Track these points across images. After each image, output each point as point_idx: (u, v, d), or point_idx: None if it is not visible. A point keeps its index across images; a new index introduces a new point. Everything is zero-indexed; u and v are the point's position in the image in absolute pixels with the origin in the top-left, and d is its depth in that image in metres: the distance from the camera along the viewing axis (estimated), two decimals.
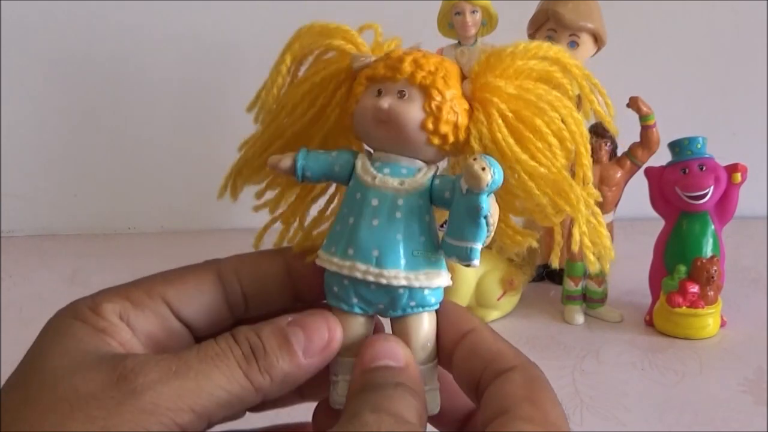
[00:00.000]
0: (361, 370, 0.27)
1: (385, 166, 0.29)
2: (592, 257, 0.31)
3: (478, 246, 0.27)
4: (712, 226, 0.67)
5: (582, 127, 0.30)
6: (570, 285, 0.70)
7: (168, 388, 0.25)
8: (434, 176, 0.29)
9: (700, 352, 0.63)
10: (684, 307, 0.64)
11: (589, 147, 0.30)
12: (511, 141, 0.29)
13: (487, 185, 0.26)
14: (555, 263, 0.31)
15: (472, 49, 0.73)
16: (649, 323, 0.68)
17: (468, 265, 0.28)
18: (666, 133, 0.67)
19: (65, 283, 0.82)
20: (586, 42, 0.71)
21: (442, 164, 0.31)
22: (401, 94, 0.28)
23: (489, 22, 0.74)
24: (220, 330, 0.30)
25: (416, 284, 0.28)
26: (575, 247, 0.30)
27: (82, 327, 0.27)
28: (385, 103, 0.28)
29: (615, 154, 0.68)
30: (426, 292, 0.29)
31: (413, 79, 0.28)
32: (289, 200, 0.33)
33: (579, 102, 0.31)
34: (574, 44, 0.71)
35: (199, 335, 0.30)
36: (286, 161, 0.30)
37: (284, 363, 0.27)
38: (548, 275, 0.80)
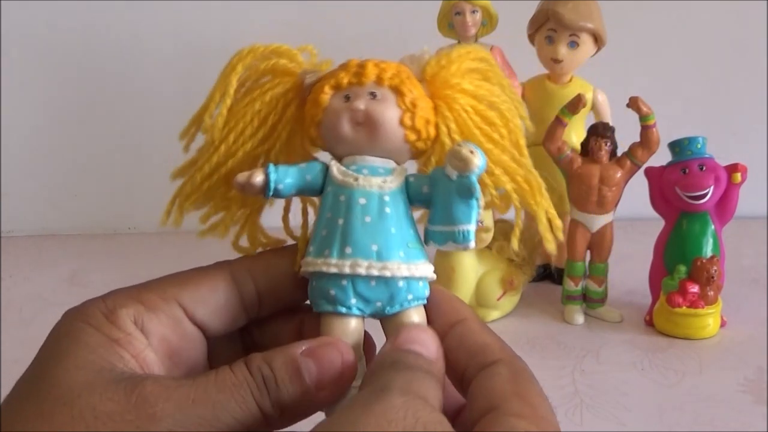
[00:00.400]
0: (395, 346, 0.27)
1: (362, 167, 0.30)
2: (550, 238, 0.32)
3: (473, 227, 0.29)
4: (712, 226, 0.67)
5: (518, 120, 0.33)
6: (570, 285, 0.70)
7: (186, 417, 0.25)
8: (407, 176, 0.31)
9: (700, 352, 0.63)
10: (684, 307, 0.64)
11: (522, 135, 0.33)
12: (478, 132, 0.31)
13: (477, 167, 0.28)
14: (515, 245, 0.33)
15: None
16: (649, 323, 0.68)
17: (465, 248, 0.29)
18: (666, 133, 0.67)
19: (65, 283, 0.82)
20: (586, 42, 0.71)
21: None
22: (373, 96, 0.30)
23: (489, 22, 0.74)
24: (233, 330, 0.31)
25: (417, 274, 0.29)
26: (542, 229, 0.32)
27: (95, 335, 0.26)
28: (361, 104, 0.29)
29: (615, 154, 0.68)
30: (420, 284, 0.30)
31: (381, 81, 0.30)
32: (236, 219, 0.33)
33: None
34: (574, 44, 0.71)
35: (212, 335, 0.30)
36: (257, 176, 0.30)
37: (295, 396, 0.27)
38: (548, 275, 0.79)
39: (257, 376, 0.26)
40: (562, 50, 0.71)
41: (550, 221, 0.32)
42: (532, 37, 0.74)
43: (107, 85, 0.97)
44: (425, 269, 0.30)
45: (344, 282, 0.29)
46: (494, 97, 0.32)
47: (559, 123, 0.67)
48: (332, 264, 0.29)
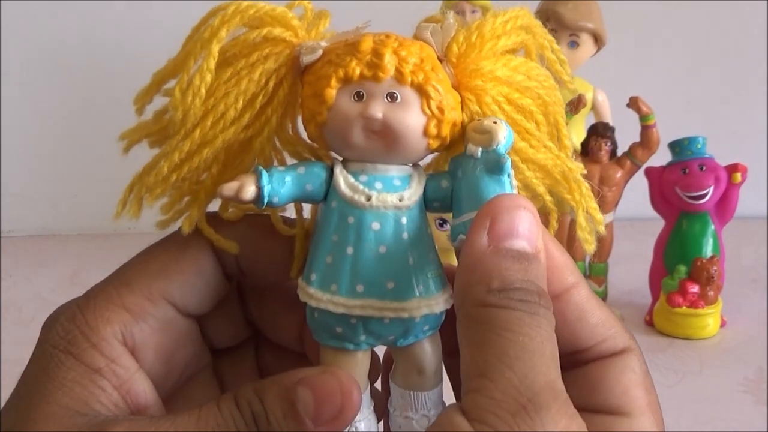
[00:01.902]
0: (486, 288, 0.22)
1: (374, 179, 0.25)
2: (589, 238, 0.28)
3: None
4: (712, 226, 0.67)
5: (557, 93, 0.28)
6: None
7: None
8: (426, 179, 0.26)
9: (700, 352, 0.63)
10: (684, 307, 0.64)
11: (564, 114, 0.28)
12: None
13: (504, 137, 0.24)
14: (590, 251, 0.28)
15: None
16: (649, 323, 0.68)
17: None
18: (666, 133, 0.67)
19: (65, 283, 0.82)
20: (586, 42, 0.71)
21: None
22: (392, 98, 0.24)
23: None
24: (221, 303, 0.28)
25: (436, 310, 0.25)
26: (579, 232, 0.28)
27: (74, 368, 0.24)
28: (378, 111, 0.24)
29: (615, 154, 0.68)
30: (438, 313, 0.25)
31: (402, 77, 0.24)
32: (202, 207, 0.27)
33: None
34: (574, 44, 0.71)
35: (203, 315, 0.28)
36: (248, 190, 0.24)
37: (290, 431, 0.23)
38: None
39: (246, 413, 0.23)
40: (562, 50, 0.71)
41: (590, 215, 0.27)
42: None
43: (107, 86, 0.97)
44: (446, 300, 0.25)
45: (353, 321, 0.25)
46: (532, 80, 0.26)
47: None
48: (340, 303, 0.24)
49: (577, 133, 0.74)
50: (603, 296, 0.70)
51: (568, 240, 0.70)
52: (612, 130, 0.68)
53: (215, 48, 0.25)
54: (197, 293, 0.27)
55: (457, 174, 0.25)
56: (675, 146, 0.67)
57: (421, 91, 0.24)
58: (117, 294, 0.25)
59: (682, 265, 0.66)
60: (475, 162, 0.24)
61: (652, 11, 0.93)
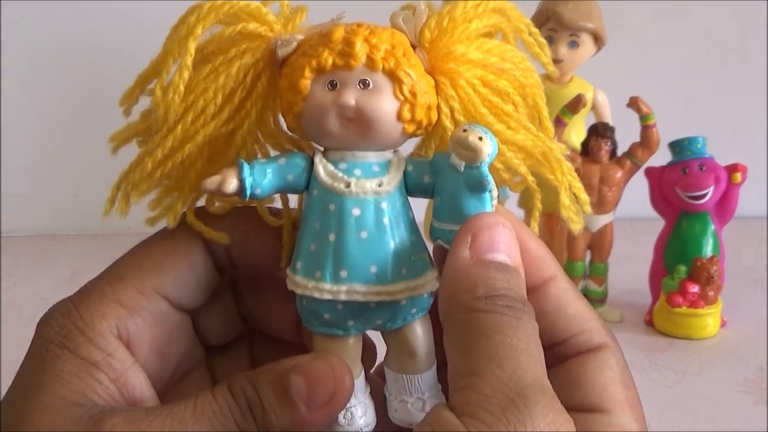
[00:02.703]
0: (472, 296, 0.23)
1: (353, 166, 0.25)
2: (575, 218, 0.28)
3: None
4: (712, 226, 0.67)
5: (536, 76, 0.28)
6: None
7: None
8: (405, 164, 0.26)
9: (700, 352, 0.63)
10: (684, 307, 0.64)
11: (543, 95, 0.28)
12: (485, 111, 0.26)
13: (488, 155, 0.24)
14: (535, 228, 0.28)
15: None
16: (649, 323, 0.68)
17: None
18: (666, 133, 0.67)
19: (65, 283, 0.82)
20: (587, 42, 0.71)
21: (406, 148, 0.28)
22: (364, 84, 0.25)
23: None
24: (214, 299, 0.28)
25: (422, 291, 0.26)
26: (563, 211, 0.28)
27: (71, 361, 0.24)
28: (351, 98, 0.24)
29: (615, 154, 0.68)
30: (425, 296, 0.26)
31: (374, 64, 0.24)
32: (193, 201, 0.28)
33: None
34: (574, 44, 0.71)
35: (195, 309, 0.28)
36: (230, 183, 0.25)
37: (284, 419, 0.24)
38: None
39: (240, 400, 0.23)
40: (562, 50, 0.71)
41: (575, 195, 0.28)
42: None
43: (107, 86, 0.97)
44: (431, 282, 0.26)
45: (340, 306, 0.25)
46: (507, 62, 0.27)
47: (559, 123, 0.67)
48: (325, 290, 0.25)
49: (577, 133, 0.74)
50: (603, 296, 0.70)
51: (569, 240, 0.70)
52: (612, 130, 0.68)
53: (192, 45, 0.25)
54: (189, 286, 0.27)
55: (439, 173, 0.26)
56: (675, 146, 0.67)
57: (393, 76, 0.25)
58: (111, 289, 0.26)
59: (682, 265, 0.66)
60: (458, 175, 0.25)
61: (652, 11, 0.93)
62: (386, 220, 0.25)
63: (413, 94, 0.25)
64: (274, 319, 0.30)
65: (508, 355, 0.21)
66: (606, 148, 0.67)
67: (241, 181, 0.25)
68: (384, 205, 0.25)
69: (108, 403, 0.24)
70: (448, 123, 0.26)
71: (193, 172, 0.27)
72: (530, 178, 0.27)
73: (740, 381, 0.58)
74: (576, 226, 0.28)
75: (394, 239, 0.25)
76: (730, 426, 0.52)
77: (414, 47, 0.26)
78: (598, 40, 0.72)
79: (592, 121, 0.73)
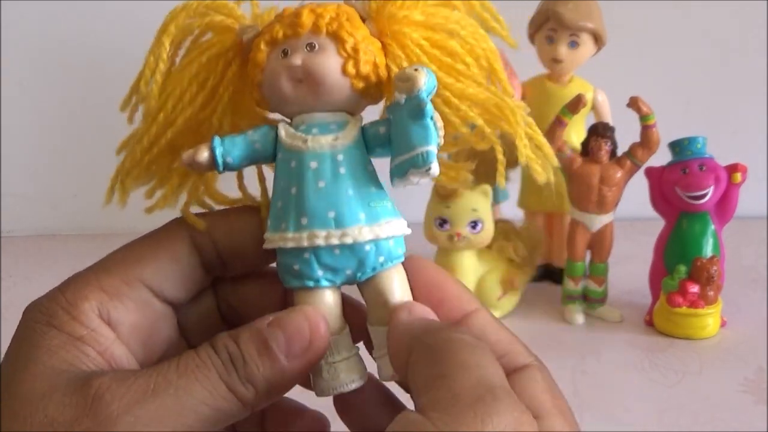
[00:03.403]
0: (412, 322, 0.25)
1: (311, 126, 0.28)
2: (538, 168, 0.29)
3: (433, 148, 0.26)
4: (712, 226, 0.67)
5: (489, 43, 0.30)
6: (570, 285, 0.70)
7: (146, 410, 0.23)
8: (362, 125, 0.28)
9: (700, 352, 0.63)
10: (684, 307, 0.64)
11: (499, 59, 0.30)
12: (434, 67, 0.28)
13: (424, 83, 0.26)
14: (502, 183, 0.30)
15: None
16: (649, 323, 0.68)
17: (428, 173, 0.26)
18: (666, 133, 0.67)
19: None
20: (587, 42, 0.71)
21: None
22: (311, 47, 0.27)
23: None
24: (198, 293, 0.30)
25: (382, 235, 0.27)
26: (522, 159, 0.29)
27: (57, 336, 0.25)
28: (297, 59, 0.27)
29: (615, 154, 0.68)
30: (392, 243, 0.28)
31: (318, 29, 0.27)
32: (183, 188, 0.30)
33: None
34: (574, 44, 0.71)
35: (180, 305, 0.29)
36: (202, 153, 0.27)
37: (266, 370, 0.25)
38: (548, 275, 0.79)
39: (222, 354, 0.25)
40: (563, 50, 0.71)
41: (534, 143, 0.29)
42: (532, 37, 0.74)
43: (108, 86, 0.97)
44: (394, 227, 0.28)
45: (306, 255, 0.27)
46: (453, 23, 0.29)
47: (559, 123, 0.67)
48: (289, 238, 0.27)
49: (577, 133, 0.74)
50: (603, 296, 0.70)
51: (569, 240, 0.70)
52: (612, 130, 0.68)
53: (166, 40, 0.29)
54: (173, 278, 0.28)
55: (390, 118, 0.28)
56: (675, 146, 0.67)
57: (336, 37, 0.27)
58: (95, 277, 0.27)
59: (682, 265, 0.66)
60: (401, 108, 0.27)
61: (652, 11, 0.93)
62: (342, 170, 0.27)
63: (355, 50, 0.27)
64: (257, 312, 0.31)
65: (478, 364, 0.22)
66: (606, 148, 0.67)
67: (212, 150, 0.27)
68: (340, 157, 0.27)
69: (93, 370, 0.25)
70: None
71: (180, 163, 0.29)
72: (488, 129, 0.29)
73: (740, 381, 0.58)
74: (540, 176, 0.29)
75: (351, 187, 0.27)
76: (730, 426, 0.52)
77: (364, 20, 0.28)
78: (598, 40, 0.72)
79: (592, 121, 0.73)
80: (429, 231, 0.66)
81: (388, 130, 0.28)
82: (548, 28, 0.71)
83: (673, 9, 0.93)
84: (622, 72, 0.86)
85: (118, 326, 0.26)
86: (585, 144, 0.69)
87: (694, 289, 0.64)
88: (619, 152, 0.68)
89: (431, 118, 0.26)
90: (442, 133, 0.27)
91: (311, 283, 0.27)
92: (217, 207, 0.32)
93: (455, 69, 0.29)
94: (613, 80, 0.76)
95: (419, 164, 0.26)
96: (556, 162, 0.30)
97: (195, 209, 0.30)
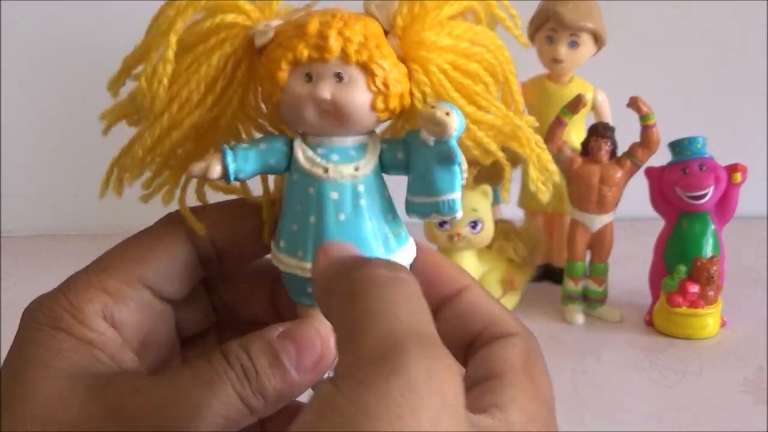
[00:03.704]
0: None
1: (330, 151, 0.27)
2: (543, 188, 0.29)
3: (459, 194, 0.26)
4: (712, 226, 0.67)
5: (506, 52, 0.29)
6: (570, 285, 0.70)
7: (165, 421, 0.23)
8: (380, 144, 0.28)
9: (700, 352, 0.63)
10: (684, 307, 0.64)
11: (513, 69, 0.29)
12: (456, 95, 0.27)
13: (455, 129, 0.25)
14: (506, 199, 0.30)
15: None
16: (649, 323, 0.68)
17: (452, 218, 0.27)
18: (666, 133, 0.67)
19: None
20: (587, 42, 0.71)
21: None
22: (339, 78, 0.26)
23: None
24: (195, 289, 0.30)
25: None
26: (532, 185, 0.29)
27: (67, 340, 0.25)
28: (326, 92, 0.26)
29: (615, 154, 0.68)
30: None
31: (347, 57, 0.26)
32: (178, 180, 0.29)
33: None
34: (574, 44, 0.71)
35: (177, 301, 0.29)
36: (214, 169, 0.26)
37: (276, 382, 0.25)
38: (548, 275, 0.79)
39: (236, 367, 0.25)
40: (563, 50, 0.71)
41: (544, 167, 0.29)
42: (532, 37, 0.74)
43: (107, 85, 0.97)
44: (408, 254, 0.28)
45: None
46: (477, 45, 0.28)
47: (559, 123, 0.67)
48: (307, 269, 0.27)
49: (577, 133, 0.74)
50: (603, 296, 0.70)
51: (569, 240, 0.70)
52: (612, 130, 0.68)
53: (173, 39, 0.26)
54: (172, 278, 0.28)
55: (412, 150, 0.27)
56: (675, 146, 0.67)
57: (366, 69, 0.26)
58: (96, 279, 0.27)
59: (682, 265, 0.66)
60: (428, 149, 0.26)
61: (652, 11, 0.93)
62: (363, 202, 0.27)
63: (386, 85, 0.26)
64: (249, 304, 0.31)
65: (384, 312, 0.21)
66: (606, 148, 0.67)
67: (225, 167, 0.26)
68: (360, 188, 0.27)
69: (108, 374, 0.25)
70: (419, 105, 0.27)
71: (182, 153, 0.28)
72: (500, 154, 0.29)
73: (740, 381, 0.58)
74: (544, 196, 0.29)
75: (370, 219, 0.27)
76: (730, 426, 0.52)
77: (386, 33, 0.27)
78: (598, 40, 0.72)
79: (592, 121, 0.73)
80: (429, 231, 0.66)
81: (405, 156, 0.27)
82: (548, 28, 0.71)
83: (673, 9, 0.93)
84: (622, 72, 0.86)
85: (122, 328, 0.26)
86: (585, 144, 0.69)
87: (694, 289, 0.64)
88: (619, 152, 0.68)
89: (459, 164, 0.26)
90: (466, 175, 0.27)
91: None
92: (215, 195, 0.31)
93: (474, 92, 0.28)
94: (613, 80, 0.76)
95: (444, 211, 0.26)
96: (558, 180, 0.29)
97: (191, 200, 0.30)
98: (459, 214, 0.27)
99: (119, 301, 0.26)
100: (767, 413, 0.53)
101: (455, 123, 0.25)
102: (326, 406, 0.20)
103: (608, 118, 0.74)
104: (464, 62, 0.27)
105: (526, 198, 0.77)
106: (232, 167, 0.26)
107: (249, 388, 0.25)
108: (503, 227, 0.70)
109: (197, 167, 0.26)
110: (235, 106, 0.28)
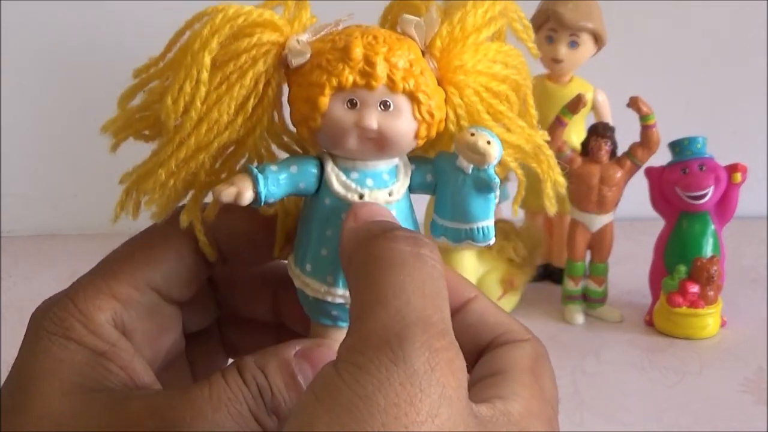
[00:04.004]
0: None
1: (365, 176, 0.26)
2: (554, 204, 0.29)
3: (492, 221, 0.26)
4: (712, 226, 0.67)
5: (528, 69, 0.29)
6: (570, 285, 0.70)
7: None
8: (411, 167, 0.27)
9: (700, 352, 0.63)
10: (684, 307, 0.64)
11: (531, 84, 0.29)
12: (488, 117, 0.27)
13: (496, 158, 0.25)
14: (515, 212, 0.31)
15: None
16: (649, 323, 0.68)
17: (486, 246, 0.26)
18: (666, 133, 0.67)
19: (65, 283, 0.81)
20: (587, 42, 0.71)
21: None
22: (385, 106, 0.25)
23: None
24: (200, 289, 0.29)
25: None
26: (547, 201, 0.29)
27: (80, 351, 0.25)
28: (373, 122, 0.25)
29: (615, 154, 0.68)
30: None
31: (394, 86, 0.25)
32: (199, 201, 0.28)
33: None
34: (574, 44, 0.71)
35: (186, 303, 0.29)
36: (246, 197, 0.25)
37: (291, 403, 0.25)
38: (548, 275, 0.79)
39: (252, 386, 0.25)
40: (563, 50, 0.71)
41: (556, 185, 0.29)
42: None
43: (108, 86, 0.97)
44: None
45: (348, 305, 0.26)
46: (509, 68, 0.28)
47: (559, 123, 0.67)
48: (338, 294, 0.26)
49: (577, 133, 0.74)
50: (603, 296, 0.70)
51: (569, 240, 0.70)
52: (612, 130, 0.68)
53: (207, 59, 0.25)
54: (180, 280, 0.28)
55: (442, 173, 0.27)
56: (675, 146, 0.67)
57: (413, 97, 0.25)
58: (105, 284, 0.26)
59: (682, 265, 0.66)
60: (464, 176, 0.26)
61: (652, 11, 0.93)
62: None
63: (431, 114, 0.25)
64: (252, 303, 0.31)
65: (396, 294, 0.21)
66: (606, 148, 0.67)
67: (257, 193, 0.25)
68: (393, 213, 0.26)
69: (122, 390, 0.25)
70: (453, 128, 0.27)
71: (203, 172, 0.27)
72: (519, 172, 0.29)
73: (740, 381, 0.58)
74: (552, 209, 0.29)
75: None
76: (730, 426, 0.52)
77: (423, 53, 0.26)
78: (598, 40, 0.72)
79: (592, 121, 0.73)
80: (429, 220, 0.66)
81: (434, 179, 0.27)
82: (548, 28, 0.71)
83: (673, 9, 0.93)
84: (622, 72, 0.86)
85: (133, 335, 0.26)
86: (585, 144, 0.69)
87: (694, 289, 0.64)
88: (619, 152, 0.68)
89: (495, 191, 0.26)
90: (497, 201, 0.26)
91: (344, 324, 0.27)
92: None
93: (499, 111, 0.27)
94: (613, 80, 0.76)
95: (479, 239, 0.26)
96: (564, 191, 0.29)
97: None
98: (492, 241, 0.26)
99: (129, 307, 0.26)
100: (767, 413, 0.53)
101: (496, 152, 0.25)
102: (326, 389, 0.20)
103: (608, 118, 0.74)
104: (495, 84, 0.27)
105: (527, 198, 0.77)
106: (263, 193, 0.25)
107: (264, 407, 0.25)
108: (503, 227, 0.70)
109: (227, 193, 0.25)
110: (264, 126, 0.27)
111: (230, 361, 0.33)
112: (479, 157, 0.25)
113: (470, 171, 0.25)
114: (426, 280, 0.21)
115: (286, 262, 0.29)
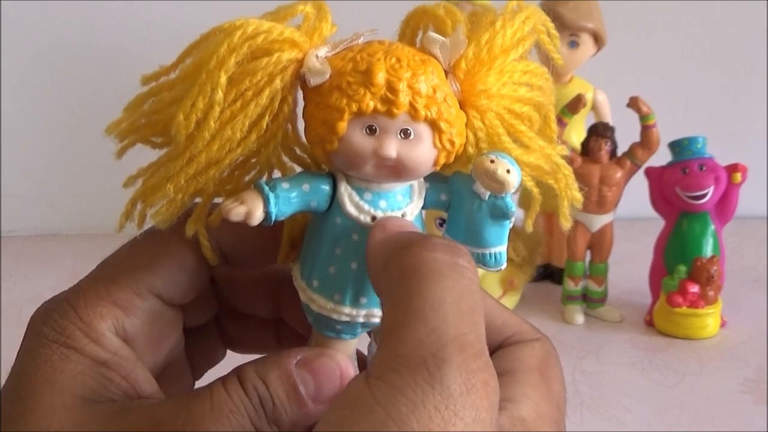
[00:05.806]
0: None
1: (378, 198, 0.25)
2: (567, 220, 0.28)
3: (506, 247, 0.25)
4: (712, 226, 0.67)
5: (552, 86, 0.28)
6: (570, 285, 0.70)
7: None
8: (426, 187, 0.27)
9: (700, 352, 0.63)
10: (684, 307, 0.64)
11: (553, 99, 0.28)
12: (508, 139, 0.26)
13: (514, 187, 0.24)
14: (529, 226, 0.30)
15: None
16: (649, 323, 0.68)
17: (497, 270, 0.26)
18: (666, 133, 0.67)
19: (65, 283, 0.81)
20: (587, 42, 0.71)
21: None
22: (405, 134, 0.24)
23: None
24: (202, 291, 0.29)
25: None
26: (563, 218, 0.28)
27: (81, 361, 0.24)
28: (392, 150, 0.24)
29: (615, 154, 0.68)
30: None
31: (416, 114, 0.24)
32: (206, 210, 0.27)
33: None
34: (574, 44, 0.71)
35: (187, 305, 0.29)
36: (256, 216, 0.24)
37: (292, 413, 0.25)
38: (548, 275, 0.79)
39: (253, 397, 0.24)
40: (563, 50, 0.71)
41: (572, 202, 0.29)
42: None
43: (108, 86, 0.97)
44: None
45: (354, 323, 0.26)
46: (534, 89, 0.27)
47: (559, 123, 0.67)
48: (344, 313, 0.26)
49: (577, 133, 0.74)
50: (603, 296, 0.70)
51: (569, 240, 0.70)
52: (612, 130, 0.68)
53: (223, 78, 0.24)
54: (181, 284, 0.27)
55: (457, 195, 0.26)
56: (675, 146, 0.68)
57: (434, 126, 0.24)
58: (106, 291, 0.26)
59: (682, 265, 0.66)
60: (481, 202, 0.25)
61: (652, 11, 0.93)
62: None
63: (452, 143, 0.25)
64: (252, 301, 0.31)
65: (434, 309, 0.20)
66: (606, 148, 0.67)
67: (267, 212, 0.24)
68: None
69: (123, 399, 0.25)
70: (471, 150, 0.26)
71: (211, 183, 0.26)
72: (535, 190, 0.28)
73: (740, 381, 0.58)
74: (567, 225, 0.29)
75: None
76: (730, 426, 0.52)
77: (446, 73, 0.25)
78: (598, 40, 0.72)
79: (592, 121, 0.73)
80: (429, 231, 0.66)
81: (448, 198, 0.26)
82: None
83: (673, 9, 0.93)
84: (622, 72, 0.86)
85: (133, 340, 0.26)
86: (585, 144, 0.69)
87: (694, 289, 0.64)
88: (619, 152, 0.68)
89: (510, 219, 0.25)
90: (511, 225, 0.26)
91: (348, 337, 0.27)
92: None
93: (520, 131, 0.26)
94: (613, 80, 0.76)
95: (490, 264, 0.25)
96: (580, 208, 0.29)
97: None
98: (504, 266, 0.26)
99: (130, 313, 0.26)
100: (767, 413, 0.53)
101: (515, 181, 0.24)
102: (358, 407, 0.19)
103: (608, 118, 0.75)
104: (518, 106, 0.26)
105: (526, 198, 0.77)
106: (274, 212, 0.24)
107: (264, 418, 0.24)
108: None
109: (237, 212, 0.24)
110: (278, 141, 0.26)
111: (228, 353, 0.33)
112: (498, 186, 0.24)
113: (487, 197, 0.25)
114: (464, 293, 0.21)
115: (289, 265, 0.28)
